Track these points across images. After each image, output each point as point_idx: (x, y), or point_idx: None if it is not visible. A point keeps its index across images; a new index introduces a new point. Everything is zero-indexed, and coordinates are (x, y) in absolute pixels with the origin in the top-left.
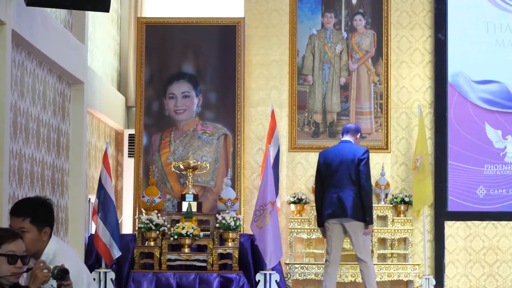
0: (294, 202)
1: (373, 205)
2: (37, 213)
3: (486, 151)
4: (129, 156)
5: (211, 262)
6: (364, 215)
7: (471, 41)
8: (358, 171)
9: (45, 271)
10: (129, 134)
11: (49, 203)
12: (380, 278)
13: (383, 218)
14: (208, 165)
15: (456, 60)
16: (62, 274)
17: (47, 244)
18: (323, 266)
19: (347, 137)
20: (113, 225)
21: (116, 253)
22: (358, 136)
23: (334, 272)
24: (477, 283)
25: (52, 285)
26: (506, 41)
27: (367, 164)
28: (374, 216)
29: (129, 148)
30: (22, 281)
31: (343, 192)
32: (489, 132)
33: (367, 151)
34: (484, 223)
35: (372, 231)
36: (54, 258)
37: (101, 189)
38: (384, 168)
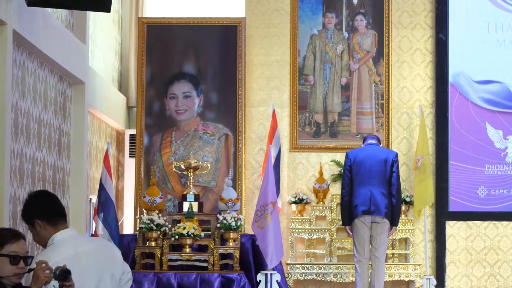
0: (295, 202)
1: None
2: (23, 214)
3: (487, 151)
4: (130, 156)
5: (212, 262)
6: (393, 216)
7: (472, 41)
8: (392, 172)
9: (47, 271)
10: (130, 134)
11: (26, 199)
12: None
13: None
14: (209, 165)
15: (457, 60)
16: (64, 274)
17: (52, 233)
18: (355, 267)
19: (373, 141)
20: (112, 225)
21: None
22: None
23: (367, 270)
24: (478, 283)
25: (54, 286)
26: (507, 41)
27: (398, 166)
28: None
29: (130, 148)
30: (23, 281)
31: (376, 190)
32: (490, 132)
33: (397, 155)
34: (485, 223)
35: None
36: (51, 246)
37: (102, 189)
38: None
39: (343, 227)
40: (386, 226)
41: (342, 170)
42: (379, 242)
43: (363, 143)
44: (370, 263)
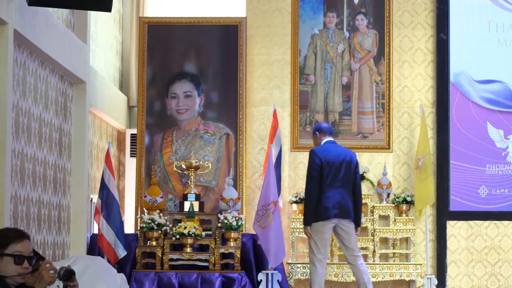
0: (296, 202)
1: (375, 204)
2: None
3: (488, 151)
4: (131, 156)
5: (213, 262)
6: (357, 217)
7: (473, 41)
8: (355, 173)
9: (51, 271)
10: (131, 134)
11: None
12: (382, 278)
13: (385, 218)
14: (210, 164)
15: (458, 59)
16: (68, 275)
17: None
18: (313, 266)
19: (331, 138)
20: (117, 224)
21: (122, 253)
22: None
23: (325, 270)
24: (479, 283)
25: (58, 286)
26: (508, 41)
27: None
28: (376, 216)
29: (131, 148)
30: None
31: (345, 193)
32: (491, 131)
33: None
34: (486, 222)
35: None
36: None
37: (104, 189)
38: (386, 167)
39: (304, 226)
40: (353, 227)
41: (310, 169)
42: (353, 243)
43: (316, 131)
44: (349, 265)
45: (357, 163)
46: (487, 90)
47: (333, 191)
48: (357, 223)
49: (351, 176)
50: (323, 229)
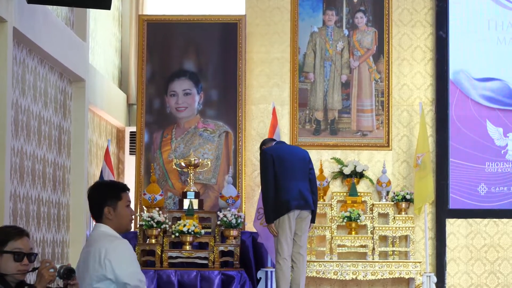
0: None
1: (375, 202)
2: None
3: (487, 149)
4: (130, 154)
5: (213, 260)
6: (312, 214)
7: (472, 39)
8: (309, 169)
9: (51, 270)
10: (130, 132)
11: None
12: (382, 276)
13: (385, 216)
14: (209, 162)
15: (458, 57)
16: (68, 273)
17: None
18: (278, 265)
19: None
20: None
21: None
22: None
23: (289, 268)
24: (478, 281)
25: (58, 284)
26: (508, 39)
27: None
28: (376, 214)
29: (130, 146)
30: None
31: (303, 185)
32: (490, 129)
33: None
34: (485, 220)
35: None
36: None
37: None
38: (385, 165)
39: (268, 224)
40: (309, 222)
41: (263, 167)
42: (304, 239)
43: (262, 146)
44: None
45: (309, 160)
46: (486, 88)
47: (290, 184)
48: (312, 219)
49: (306, 172)
50: (287, 224)
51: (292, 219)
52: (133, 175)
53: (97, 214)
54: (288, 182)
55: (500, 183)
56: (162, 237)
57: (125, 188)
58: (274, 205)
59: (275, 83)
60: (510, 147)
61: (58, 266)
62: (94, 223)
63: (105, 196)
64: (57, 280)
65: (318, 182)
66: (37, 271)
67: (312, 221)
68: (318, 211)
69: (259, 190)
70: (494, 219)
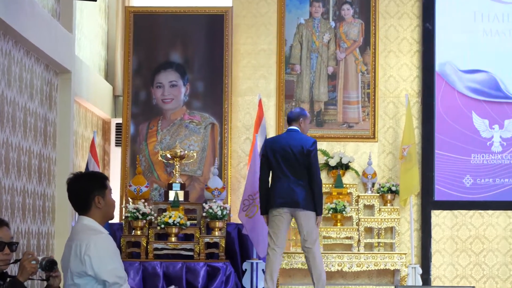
0: None
1: (360, 194)
2: None
3: (473, 141)
4: (116, 145)
5: (198, 251)
6: (315, 206)
7: (458, 31)
8: (309, 163)
9: (33, 262)
10: (116, 123)
11: None
12: (367, 267)
13: (370, 207)
14: (195, 154)
15: (444, 49)
16: (50, 265)
17: None
18: (266, 253)
19: (292, 125)
20: None
21: None
22: (301, 120)
23: (277, 259)
24: (464, 272)
25: (40, 276)
26: (494, 31)
27: (316, 155)
28: (361, 205)
29: (116, 137)
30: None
31: (294, 182)
32: (476, 121)
33: (315, 142)
34: (471, 212)
35: (320, 222)
36: None
37: None
38: (371, 157)
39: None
40: (308, 216)
41: (261, 159)
42: (306, 234)
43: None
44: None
45: (309, 152)
46: (472, 80)
47: (280, 179)
48: (316, 211)
49: (302, 166)
50: (275, 219)
51: (282, 215)
52: (118, 167)
53: (83, 205)
54: (278, 177)
55: (485, 175)
56: (148, 229)
57: (107, 177)
58: (266, 199)
59: (262, 74)
60: (496, 139)
61: (40, 258)
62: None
63: (93, 186)
64: (39, 272)
65: None
66: (19, 263)
67: (317, 213)
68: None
69: (244, 182)
70: (480, 211)
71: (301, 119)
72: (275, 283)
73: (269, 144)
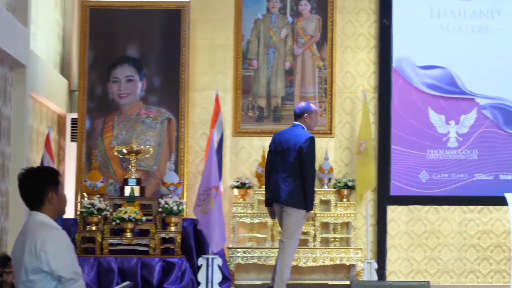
0: (237, 187)
1: (316, 189)
2: None
3: (429, 136)
4: (71, 141)
5: (154, 247)
6: (305, 201)
7: (415, 27)
8: (300, 160)
9: None
10: (72, 118)
11: None
12: (323, 262)
13: (326, 203)
14: (151, 149)
15: (401, 45)
16: (4, 261)
17: None
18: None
19: (296, 121)
20: None
21: None
22: (305, 116)
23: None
24: (419, 267)
25: None
26: (450, 26)
27: (308, 152)
28: (317, 201)
29: (71, 132)
30: None
31: (281, 178)
32: (432, 117)
33: (309, 139)
34: (426, 207)
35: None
36: None
37: None
38: (327, 152)
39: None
40: (288, 212)
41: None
42: (284, 226)
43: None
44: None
45: (301, 148)
46: (429, 75)
47: (273, 174)
48: (304, 206)
49: (293, 161)
50: (274, 212)
51: (276, 208)
52: (74, 162)
53: (36, 201)
54: (273, 172)
55: (441, 170)
56: (103, 224)
57: (58, 172)
58: (267, 192)
59: (219, 70)
60: (452, 134)
61: None
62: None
63: (46, 182)
64: None
65: (260, 169)
66: None
67: (305, 208)
68: (260, 197)
69: (201, 177)
70: (435, 206)
71: (306, 114)
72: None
73: (274, 138)
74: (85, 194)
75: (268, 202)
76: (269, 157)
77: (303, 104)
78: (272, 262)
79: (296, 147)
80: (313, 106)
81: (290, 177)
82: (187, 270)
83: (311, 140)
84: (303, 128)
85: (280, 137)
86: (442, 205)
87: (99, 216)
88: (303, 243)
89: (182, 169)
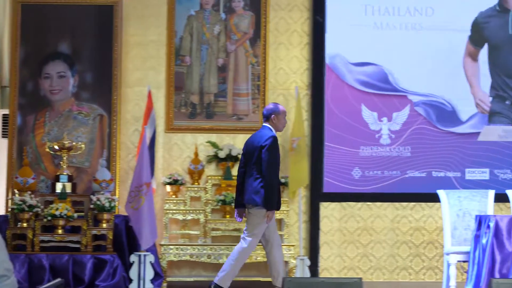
0: (170, 183)
1: None
2: None
3: (362, 133)
4: (2, 137)
5: (85, 244)
6: (263, 202)
7: (349, 24)
8: (259, 159)
9: None
10: (3, 114)
11: None
12: (256, 259)
13: None
14: (83, 146)
15: (334, 42)
16: None
17: None
18: None
19: (265, 123)
20: None
21: None
22: (273, 117)
23: (270, 250)
24: (351, 263)
25: None
26: (384, 24)
27: (267, 151)
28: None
29: (2, 129)
30: None
31: (247, 178)
32: (365, 114)
33: (269, 137)
34: (359, 204)
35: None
36: None
37: None
38: None
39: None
40: (251, 210)
41: None
42: (246, 224)
43: None
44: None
45: (261, 147)
46: (362, 72)
47: (245, 177)
48: (267, 206)
49: (255, 162)
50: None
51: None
52: (5, 158)
53: None
54: (242, 174)
55: (374, 167)
56: (34, 221)
57: None
58: (237, 194)
59: (151, 66)
60: (384, 131)
61: None
62: None
63: None
64: None
65: (193, 166)
66: None
67: (268, 208)
68: (192, 194)
69: (133, 174)
70: (368, 203)
71: (273, 115)
72: (280, 274)
73: (246, 141)
74: (16, 191)
75: (235, 204)
76: (241, 160)
77: (271, 105)
78: (205, 259)
79: (257, 147)
80: (281, 107)
81: (252, 177)
82: (119, 267)
83: (272, 139)
84: (270, 130)
85: (249, 139)
86: (374, 202)
87: (30, 213)
88: (236, 240)
89: (114, 165)
